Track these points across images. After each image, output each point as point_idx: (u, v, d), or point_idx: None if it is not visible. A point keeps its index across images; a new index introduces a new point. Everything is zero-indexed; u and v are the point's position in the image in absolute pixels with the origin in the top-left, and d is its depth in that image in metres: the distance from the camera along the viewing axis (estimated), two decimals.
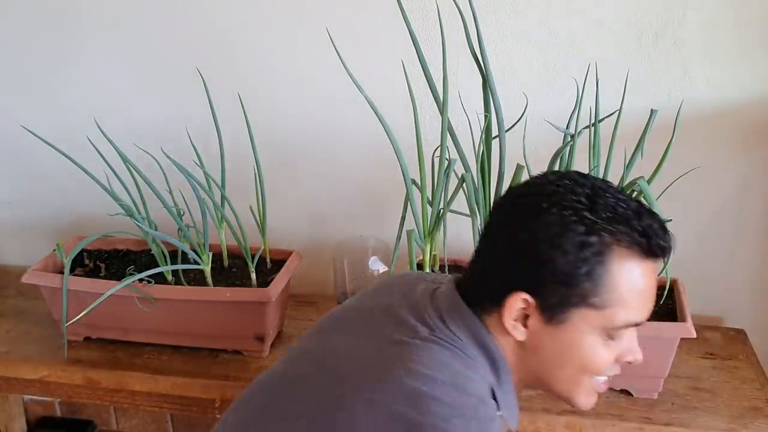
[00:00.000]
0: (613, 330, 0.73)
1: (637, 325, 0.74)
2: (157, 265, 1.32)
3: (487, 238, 0.80)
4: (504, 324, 0.74)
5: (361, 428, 0.68)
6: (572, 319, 0.72)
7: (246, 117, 1.29)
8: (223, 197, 1.33)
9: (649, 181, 1.08)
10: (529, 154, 1.11)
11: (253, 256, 1.34)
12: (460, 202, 1.19)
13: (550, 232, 0.70)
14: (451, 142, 1.15)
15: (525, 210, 0.73)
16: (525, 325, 0.74)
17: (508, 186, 1.12)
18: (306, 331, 0.91)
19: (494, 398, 0.73)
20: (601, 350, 0.73)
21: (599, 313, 0.71)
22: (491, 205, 1.18)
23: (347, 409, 0.69)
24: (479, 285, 0.78)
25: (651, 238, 0.70)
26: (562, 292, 0.71)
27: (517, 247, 0.73)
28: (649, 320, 1.15)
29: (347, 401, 0.70)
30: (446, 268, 1.27)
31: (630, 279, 0.71)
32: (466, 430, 0.66)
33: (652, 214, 0.73)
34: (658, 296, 1.24)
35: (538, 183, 0.76)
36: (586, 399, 0.79)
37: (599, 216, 0.70)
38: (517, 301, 0.73)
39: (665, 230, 0.73)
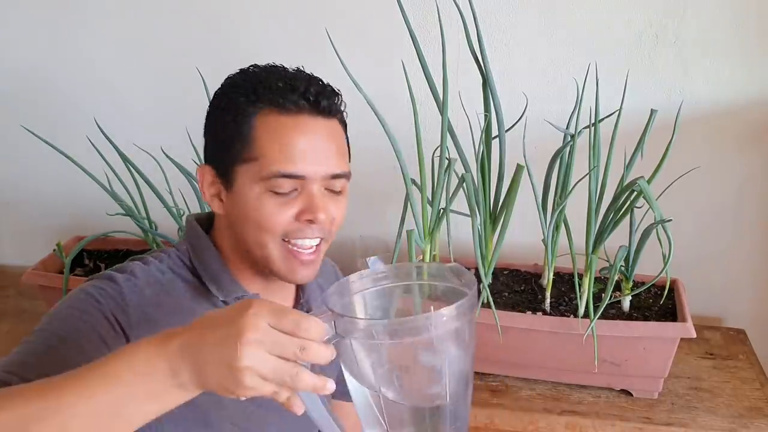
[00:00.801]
0: (269, 179, 0.76)
1: (295, 177, 0.76)
2: None
3: None
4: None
5: None
6: (237, 178, 0.78)
7: None
8: None
9: (649, 181, 1.08)
10: (529, 154, 1.11)
11: None
12: (460, 202, 1.19)
13: (211, 107, 0.81)
14: (451, 142, 1.15)
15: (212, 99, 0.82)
16: (221, 199, 0.81)
17: (508, 186, 1.13)
18: None
19: (194, 266, 0.83)
20: (268, 204, 0.77)
21: (252, 166, 0.77)
22: (491, 203, 1.18)
23: None
24: None
25: (282, 95, 0.77)
26: (222, 154, 0.79)
27: (204, 131, 0.83)
28: (649, 320, 1.16)
29: None
30: None
31: (272, 131, 0.77)
32: (114, 275, 0.78)
33: (294, 74, 0.79)
34: (659, 296, 1.24)
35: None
36: (286, 266, 0.80)
37: (244, 84, 0.78)
38: (205, 174, 0.81)
39: (306, 88, 0.77)
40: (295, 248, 0.79)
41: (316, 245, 0.81)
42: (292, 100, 0.76)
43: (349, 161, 0.84)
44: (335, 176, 0.79)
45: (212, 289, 0.82)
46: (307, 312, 0.89)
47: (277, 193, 0.77)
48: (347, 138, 0.84)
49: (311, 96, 0.77)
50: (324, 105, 0.78)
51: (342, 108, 0.82)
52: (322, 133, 0.78)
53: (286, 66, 0.81)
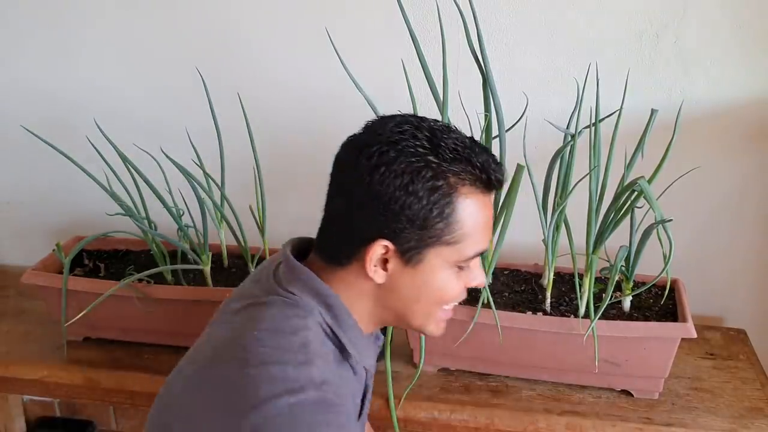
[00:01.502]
0: (464, 262, 0.79)
1: (482, 253, 0.81)
2: (157, 265, 1.32)
3: (335, 195, 0.81)
4: (366, 270, 0.78)
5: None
6: (428, 258, 0.77)
7: (246, 117, 1.29)
8: (223, 197, 1.33)
9: (649, 181, 1.08)
10: (529, 154, 1.10)
11: (252, 256, 1.34)
12: None
13: (403, 180, 0.74)
14: None
15: (374, 161, 0.75)
16: (385, 269, 0.79)
17: (508, 186, 1.13)
18: None
19: (335, 336, 0.80)
20: (454, 281, 0.80)
21: (452, 249, 0.77)
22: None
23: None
24: (335, 241, 0.82)
25: (490, 173, 0.77)
26: (418, 234, 0.76)
27: (372, 198, 0.75)
28: (650, 320, 1.16)
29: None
30: None
31: (475, 213, 0.77)
32: (287, 367, 0.71)
33: (486, 150, 0.79)
34: (659, 296, 1.24)
35: (378, 132, 0.77)
36: (436, 327, 0.85)
37: (443, 158, 0.75)
38: (378, 248, 0.77)
39: (498, 163, 0.79)
40: (448, 311, 0.85)
41: None
42: (491, 183, 0.78)
43: None
44: None
45: (354, 354, 0.81)
46: (377, 337, 0.93)
47: (460, 271, 0.80)
48: None
49: (501, 177, 0.79)
50: (503, 180, 0.80)
51: None
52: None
53: (457, 129, 0.79)
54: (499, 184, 0.79)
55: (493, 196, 0.81)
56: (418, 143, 0.74)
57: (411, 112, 1.11)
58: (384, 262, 0.78)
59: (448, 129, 0.78)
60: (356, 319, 0.82)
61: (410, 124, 0.77)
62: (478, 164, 0.76)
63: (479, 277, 0.83)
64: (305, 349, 0.74)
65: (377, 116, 0.82)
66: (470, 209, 0.76)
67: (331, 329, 0.80)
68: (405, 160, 0.74)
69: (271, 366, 0.71)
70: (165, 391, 0.80)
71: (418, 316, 0.82)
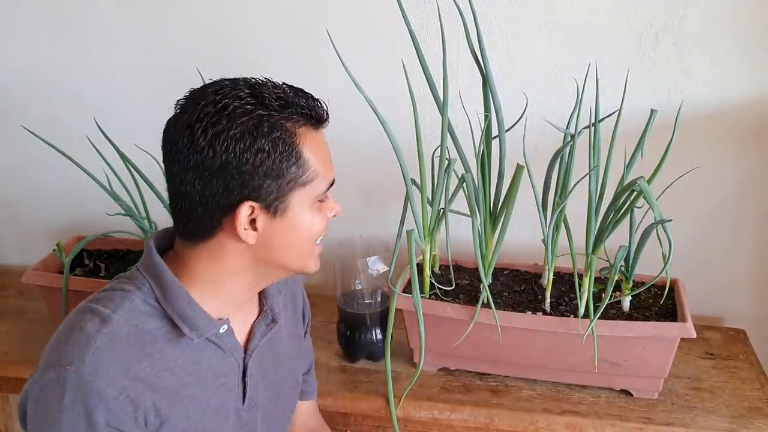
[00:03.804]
0: (321, 196, 0.84)
1: (332, 184, 0.86)
2: None
3: (181, 174, 0.79)
4: (237, 235, 0.80)
5: None
6: (292, 204, 0.81)
7: None
8: None
9: (649, 181, 1.08)
10: (529, 154, 1.11)
11: None
12: (460, 202, 1.19)
13: (245, 142, 0.76)
14: (451, 141, 1.15)
15: (210, 133, 0.76)
16: (255, 229, 0.81)
17: (508, 186, 1.13)
18: None
19: (161, 307, 0.81)
20: (318, 217, 0.85)
21: (309, 188, 0.82)
22: (491, 203, 1.18)
23: None
24: (194, 217, 0.81)
25: (317, 110, 0.82)
26: (276, 185, 0.79)
27: (222, 167, 0.76)
28: (649, 320, 1.16)
29: None
30: (450, 268, 1.27)
31: (316, 149, 0.82)
32: (74, 324, 0.78)
33: (303, 91, 0.83)
34: (659, 296, 1.24)
35: (200, 102, 0.78)
36: (315, 262, 0.89)
37: (272, 109, 0.78)
38: (245, 210, 0.79)
39: (317, 100, 0.83)
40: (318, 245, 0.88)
41: None
42: (320, 119, 0.83)
43: None
44: None
45: (185, 331, 0.81)
46: (273, 320, 0.94)
47: (320, 205, 0.85)
48: None
49: (324, 111, 0.84)
50: (328, 115, 0.85)
51: None
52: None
53: (270, 79, 0.82)
54: (326, 118, 0.84)
55: (322, 132, 0.85)
56: (243, 102, 0.77)
57: (411, 112, 1.12)
58: (252, 222, 0.80)
59: (263, 81, 0.81)
60: (197, 292, 0.83)
61: (227, 86, 0.78)
62: (303, 104, 0.80)
63: (335, 207, 0.89)
64: (94, 314, 0.78)
65: (188, 92, 0.84)
66: (311, 146, 0.81)
67: (157, 301, 0.82)
68: (238, 122, 0.76)
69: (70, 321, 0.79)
70: None
71: (296, 259, 0.86)
